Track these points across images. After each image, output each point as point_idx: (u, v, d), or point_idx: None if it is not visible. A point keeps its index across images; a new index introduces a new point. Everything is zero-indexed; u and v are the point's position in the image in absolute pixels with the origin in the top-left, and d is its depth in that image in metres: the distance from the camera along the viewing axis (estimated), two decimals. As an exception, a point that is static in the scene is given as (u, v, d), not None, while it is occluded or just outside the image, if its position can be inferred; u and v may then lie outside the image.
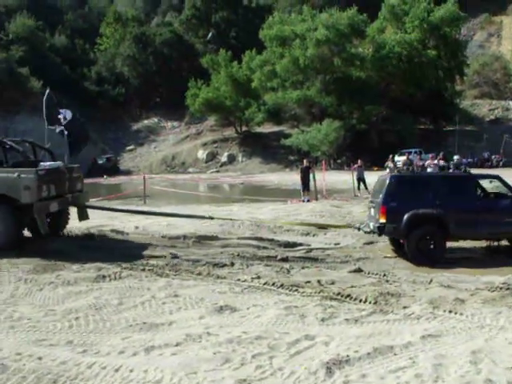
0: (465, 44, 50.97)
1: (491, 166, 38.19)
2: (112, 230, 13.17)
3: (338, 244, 12.10)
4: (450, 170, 23.36)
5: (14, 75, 53.07)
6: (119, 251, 10.77)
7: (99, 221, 14.51)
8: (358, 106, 45.05)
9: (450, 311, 6.51)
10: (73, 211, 12.45)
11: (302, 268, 9.43)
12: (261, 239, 12.22)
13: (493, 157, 39.72)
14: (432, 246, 10.57)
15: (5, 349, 5.31)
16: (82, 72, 63.93)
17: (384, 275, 8.90)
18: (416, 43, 44.34)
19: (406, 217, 10.42)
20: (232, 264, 9.57)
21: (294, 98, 45.73)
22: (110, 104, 61.01)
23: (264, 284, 8.01)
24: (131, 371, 4.75)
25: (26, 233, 11.64)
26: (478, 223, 10.72)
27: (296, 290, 7.65)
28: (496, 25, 59.58)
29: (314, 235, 13.31)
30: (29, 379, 4.59)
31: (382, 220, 10.61)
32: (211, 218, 13.66)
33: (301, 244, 11.90)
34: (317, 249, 11.58)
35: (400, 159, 31.08)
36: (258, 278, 8.39)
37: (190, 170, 51.70)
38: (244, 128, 54.94)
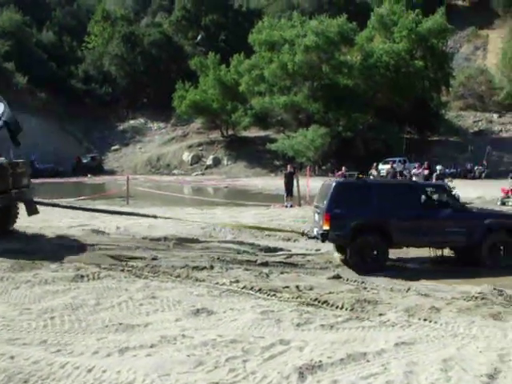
0: (451, 56, 51.48)
1: (474, 177, 38.59)
2: (93, 231, 13.13)
3: (319, 250, 12.15)
4: (433, 180, 23.62)
5: (-2, 70, 52.60)
6: (99, 251, 10.74)
7: (80, 220, 14.44)
8: (344, 114, 45.24)
9: (425, 319, 6.58)
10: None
11: (281, 273, 9.47)
12: (242, 243, 12.26)
13: (475, 168, 40.13)
14: (375, 254, 10.54)
15: (-23, 347, 5.27)
16: (69, 70, 63.44)
17: (362, 282, 8.97)
18: (404, 53, 44.70)
19: (349, 224, 10.42)
20: (211, 267, 9.58)
21: (281, 103, 45.82)
22: (97, 103, 60.62)
23: (242, 288, 8.03)
24: (104, 372, 4.74)
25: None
26: (420, 231, 10.74)
27: (274, 295, 7.68)
28: (482, 38, 60.27)
29: (295, 241, 13.35)
30: (-1, 378, 4.57)
31: (326, 227, 10.55)
32: (155, 217, 13.62)
33: (281, 249, 11.96)
34: (297, 254, 11.63)
35: (384, 167, 31.34)
36: (237, 281, 8.40)
37: (175, 171, 51.56)
38: (230, 131, 54.93)
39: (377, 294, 8.06)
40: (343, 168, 26.05)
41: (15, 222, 12.29)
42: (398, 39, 45.57)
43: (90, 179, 43.25)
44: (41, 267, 8.96)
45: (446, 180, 23.78)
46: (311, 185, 22.44)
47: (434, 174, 24.04)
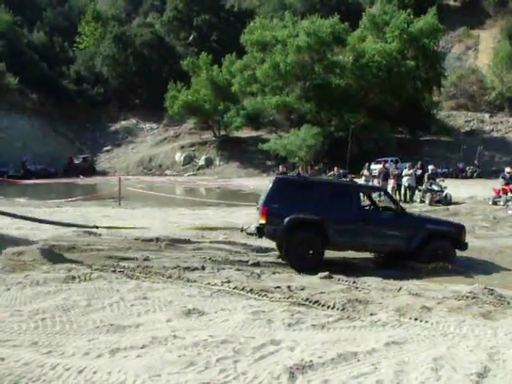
0: (443, 56, 51.76)
1: (466, 177, 38.80)
2: (85, 231, 13.09)
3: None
4: (425, 180, 23.72)
5: (-11, 71, 52.32)
6: (90, 252, 10.72)
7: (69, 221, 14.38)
8: (336, 114, 45.38)
9: (416, 319, 6.60)
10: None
11: (273, 273, 9.48)
12: (234, 243, 12.26)
13: (467, 167, 40.33)
14: (310, 252, 10.42)
15: (-34, 349, 5.24)
16: (60, 70, 63.14)
17: (354, 282, 8.98)
18: (395, 53, 44.83)
19: (285, 220, 10.31)
20: (203, 268, 9.57)
21: (273, 103, 45.86)
22: (89, 104, 60.42)
23: (234, 288, 8.02)
24: (95, 373, 4.73)
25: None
26: (357, 234, 10.64)
27: (265, 295, 7.68)
28: (473, 38, 60.56)
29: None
30: (-11, 380, 4.55)
31: (262, 221, 10.47)
32: (96, 227, 13.39)
33: (273, 249, 11.95)
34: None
35: (376, 167, 31.41)
36: (228, 282, 8.40)
37: (167, 172, 51.48)
38: (222, 132, 54.90)
39: (368, 294, 8.09)
40: (335, 168, 26.12)
41: None
42: (389, 39, 45.72)
43: (82, 180, 43.11)
44: (32, 268, 8.92)
45: (437, 180, 23.92)
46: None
47: (426, 174, 24.13)
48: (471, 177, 39.14)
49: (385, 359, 5.16)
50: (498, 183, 23.04)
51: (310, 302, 7.38)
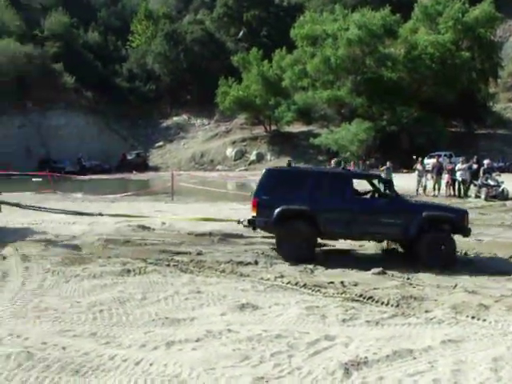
0: (500, 45, 50.12)
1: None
2: (139, 226, 13.37)
3: (363, 246, 12.02)
4: (481, 175, 23.02)
5: (47, 71, 53.94)
6: (145, 246, 10.94)
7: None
8: (388, 107, 44.62)
9: (473, 317, 6.44)
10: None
11: (326, 268, 9.42)
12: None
13: (524, 161, 38.97)
14: (302, 243, 10.09)
15: (31, 338, 5.45)
16: (113, 69, 64.76)
17: (408, 278, 8.82)
18: (449, 44, 43.67)
19: (276, 211, 10.08)
20: (256, 262, 9.61)
21: (324, 97, 45.54)
22: (141, 101, 61.59)
23: (287, 283, 8.04)
24: (151, 365, 4.84)
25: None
26: (350, 223, 10.28)
27: (318, 291, 7.66)
28: (533, 26, 58.34)
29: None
30: (52, 368, 4.71)
31: (253, 213, 10.32)
32: (101, 215, 13.62)
33: (325, 244, 11.87)
34: (341, 249, 11.55)
35: (429, 162, 30.72)
36: (282, 277, 8.42)
37: (219, 167, 51.90)
38: (273, 127, 54.95)
39: (422, 291, 7.94)
40: (388, 163, 25.69)
41: None
42: (443, 30, 44.58)
43: (135, 175, 44.02)
44: (89, 262, 9.17)
45: (493, 174, 23.18)
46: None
47: (482, 168, 23.41)
48: (528, 170, 37.72)
49: (441, 357, 5.06)
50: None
51: (363, 297, 7.31)
